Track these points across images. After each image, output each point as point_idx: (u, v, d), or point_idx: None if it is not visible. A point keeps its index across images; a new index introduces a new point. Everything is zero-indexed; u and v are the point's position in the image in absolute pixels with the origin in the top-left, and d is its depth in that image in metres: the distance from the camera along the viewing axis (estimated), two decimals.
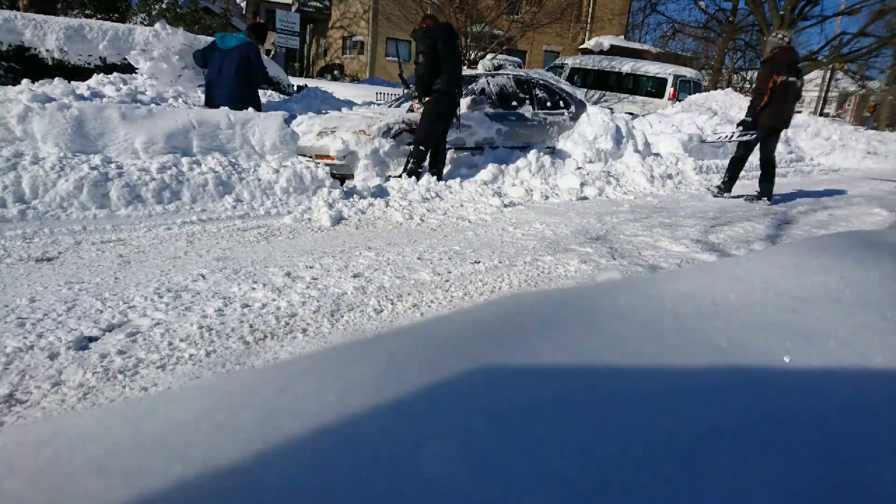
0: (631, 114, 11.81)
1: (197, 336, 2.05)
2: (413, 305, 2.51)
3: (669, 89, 12.84)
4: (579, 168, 6.57)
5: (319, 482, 0.44)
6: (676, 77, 13.06)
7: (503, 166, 5.67)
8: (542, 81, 7.33)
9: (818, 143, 11.88)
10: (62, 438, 0.52)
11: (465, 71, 11.18)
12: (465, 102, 5.88)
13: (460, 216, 4.46)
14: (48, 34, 7.29)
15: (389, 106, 6.88)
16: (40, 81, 4.87)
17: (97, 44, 7.68)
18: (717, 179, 7.47)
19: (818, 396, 0.60)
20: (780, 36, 5.74)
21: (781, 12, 15.87)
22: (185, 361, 1.87)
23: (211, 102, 5.08)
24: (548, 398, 0.57)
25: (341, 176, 5.07)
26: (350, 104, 8.27)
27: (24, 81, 4.58)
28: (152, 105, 5.12)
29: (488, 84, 6.28)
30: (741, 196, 6.24)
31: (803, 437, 0.52)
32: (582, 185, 5.74)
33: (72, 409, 1.58)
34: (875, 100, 28.44)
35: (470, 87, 6.16)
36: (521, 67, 14.82)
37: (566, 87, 7.52)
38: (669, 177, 6.89)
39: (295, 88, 9.99)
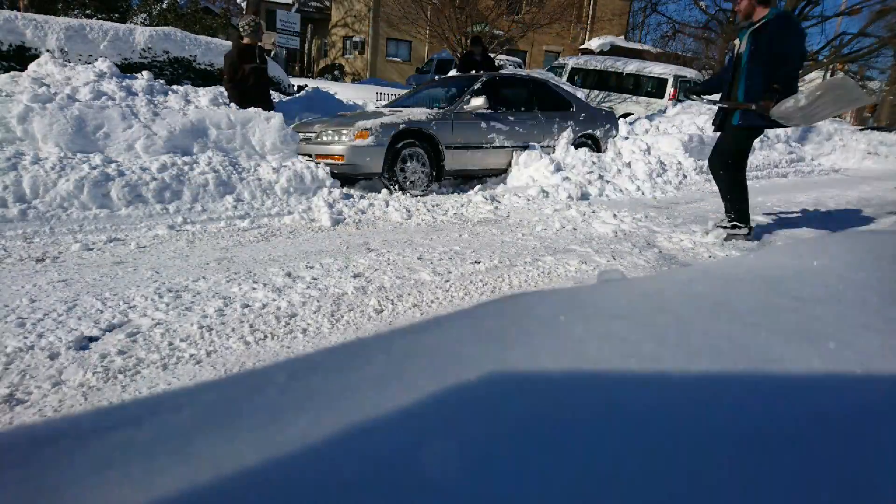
0: (627, 114, 11.82)
1: (197, 336, 2.05)
2: (413, 305, 2.51)
3: (670, 90, 12.83)
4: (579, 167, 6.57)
5: (322, 483, 0.44)
6: (677, 77, 13.05)
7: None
8: (542, 81, 7.32)
9: (818, 143, 11.88)
10: (63, 438, 0.52)
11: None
12: (464, 102, 5.88)
13: (460, 216, 4.46)
14: (49, 34, 7.30)
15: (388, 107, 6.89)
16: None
17: (98, 44, 7.69)
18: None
19: (819, 397, 0.60)
20: None
21: None
22: (186, 361, 1.87)
23: None
24: (548, 400, 0.57)
25: (345, 176, 5.07)
26: (352, 106, 8.28)
27: (29, 69, 4.56)
28: (153, 105, 5.12)
29: (488, 84, 6.28)
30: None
31: (804, 437, 0.52)
32: (582, 184, 5.74)
33: (72, 409, 1.58)
34: (875, 100, 28.42)
35: (469, 86, 6.16)
36: (521, 68, 14.83)
37: (566, 87, 7.52)
38: (669, 178, 6.89)
39: (295, 88, 10.00)
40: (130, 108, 4.24)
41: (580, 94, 10.81)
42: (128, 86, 4.51)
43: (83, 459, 0.48)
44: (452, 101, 6.00)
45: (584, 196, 5.60)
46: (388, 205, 4.53)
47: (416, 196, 5.20)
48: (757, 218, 5.18)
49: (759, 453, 0.48)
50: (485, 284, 2.84)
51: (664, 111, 10.60)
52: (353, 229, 3.86)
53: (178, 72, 8.57)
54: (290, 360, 0.72)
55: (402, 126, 5.25)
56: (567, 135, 6.61)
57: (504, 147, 6.09)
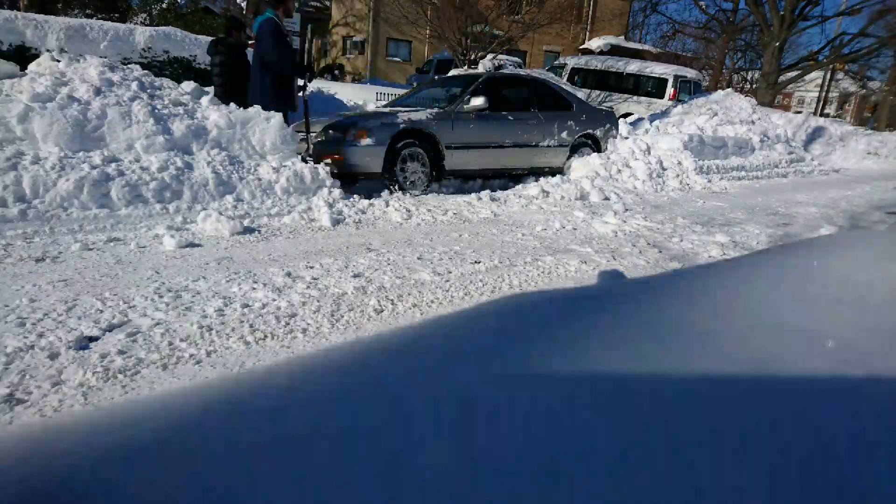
0: (627, 114, 11.81)
1: (197, 336, 2.05)
2: (413, 305, 2.51)
3: (670, 90, 12.82)
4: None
5: (322, 482, 0.44)
6: (677, 77, 13.05)
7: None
8: (542, 81, 7.32)
9: (818, 143, 11.88)
10: (63, 438, 0.52)
11: (466, 71, 11.16)
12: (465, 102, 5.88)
13: (461, 216, 4.46)
14: (49, 34, 7.30)
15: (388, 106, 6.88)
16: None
17: (98, 44, 7.69)
18: (717, 179, 7.47)
19: (818, 397, 0.60)
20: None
21: (782, 13, 15.86)
22: (186, 361, 1.87)
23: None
24: (548, 400, 0.57)
25: (345, 176, 5.06)
26: (352, 106, 8.28)
27: (31, 66, 4.55)
28: (153, 104, 5.11)
29: (488, 84, 6.28)
30: None
31: (803, 438, 0.52)
32: (584, 184, 5.74)
33: (72, 409, 1.58)
34: (875, 100, 28.42)
35: (469, 86, 6.15)
36: (521, 67, 14.84)
37: (567, 87, 7.51)
38: (670, 178, 6.89)
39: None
40: (130, 108, 4.24)
41: (581, 94, 10.81)
42: (128, 85, 4.51)
43: (83, 459, 0.48)
44: (452, 101, 6.00)
45: (584, 196, 5.60)
46: (388, 205, 4.53)
47: (416, 196, 5.20)
48: (758, 218, 5.18)
49: (758, 453, 0.48)
50: (485, 284, 2.84)
51: (667, 112, 10.61)
52: (353, 229, 3.86)
53: (178, 72, 8.57)
54: (290, 359, 0.72)
55: (402, 126, 5.24)
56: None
57: (504, 146, 6.08)
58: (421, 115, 5.52)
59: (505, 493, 0.43)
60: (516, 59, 16.70)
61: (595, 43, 22.31)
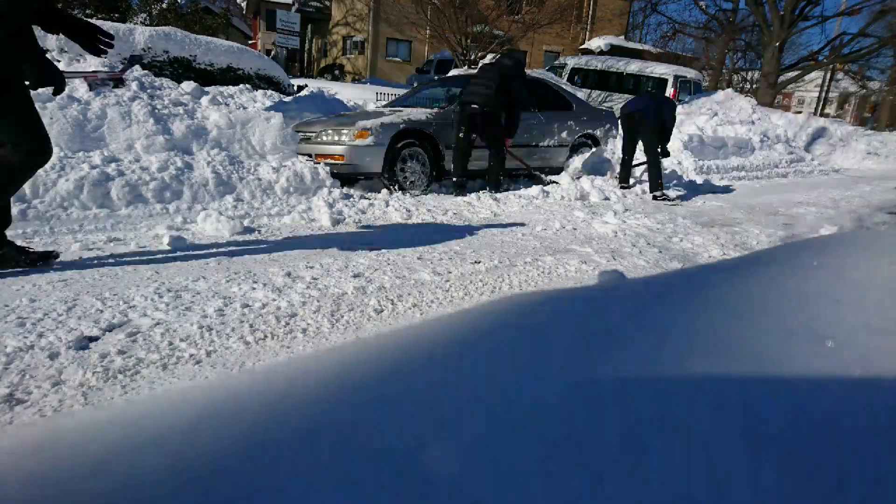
0: None
1: (197, 336, 2.04)
2: (413, 305, 2.51)
3: (670, 90, 12.82)
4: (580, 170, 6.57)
5: (322, 482, 0.44)
6: (677, 77, 13.04)
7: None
8: (542, 81, 7.32)
9: (819, 143, 11.88)
10: (62, 439, 0.52)
11: (466, 71, 11.14)
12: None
13: (461, 216, 4.46)
14: (48, 34, 7.29)
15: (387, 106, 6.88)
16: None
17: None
18: (716, 179, 7.47)
19: (818, 397, 0.60)
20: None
21: (782, 13, 15.86)
22: (186, 361, 1.87)
23: None
24: (548, 400, 0.57)
25: (345, 176, 5.06)
26: (352, 106, 8.27)
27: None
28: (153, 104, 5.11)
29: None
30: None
31: (803, 438, 0.52)
32: (584, 184, 5.74)
33: (72, 409, 1.58)
34: (875, 100, 28.43)
35: (469, 87, 6.14)
36: None
37: (567, 87, 7.50)
38: (670, 178, 6.89)
39: (295, 88, 10.00)
40: (130, 108, 4.24)
41: (580, 94, 10.81)
42: (128, 85, 4.51)
43: (83, 459, 0.48)
44: (452, 101, 5.99)
45: (584, 196, 5.60)
46: (388, 205, 4.53)
47: (416, 196, 5.20)
48: (758, 218, 5.18)
49: (757, 453, 0.48)
50: (485, 284, 2.84)
51: None
52: (353, 229, 3.86)
53: (178, 72, 8.56)
54: (290, 359, 0.72)
55: (402, 126, 5.24)
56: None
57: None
58: (421, 115, 5.51)
59: (505, 494, 0.43)
60: None
61: (595, 43, 22.31)
